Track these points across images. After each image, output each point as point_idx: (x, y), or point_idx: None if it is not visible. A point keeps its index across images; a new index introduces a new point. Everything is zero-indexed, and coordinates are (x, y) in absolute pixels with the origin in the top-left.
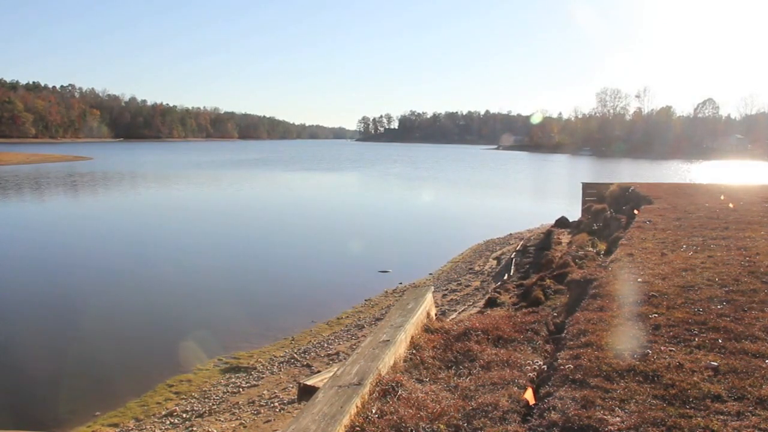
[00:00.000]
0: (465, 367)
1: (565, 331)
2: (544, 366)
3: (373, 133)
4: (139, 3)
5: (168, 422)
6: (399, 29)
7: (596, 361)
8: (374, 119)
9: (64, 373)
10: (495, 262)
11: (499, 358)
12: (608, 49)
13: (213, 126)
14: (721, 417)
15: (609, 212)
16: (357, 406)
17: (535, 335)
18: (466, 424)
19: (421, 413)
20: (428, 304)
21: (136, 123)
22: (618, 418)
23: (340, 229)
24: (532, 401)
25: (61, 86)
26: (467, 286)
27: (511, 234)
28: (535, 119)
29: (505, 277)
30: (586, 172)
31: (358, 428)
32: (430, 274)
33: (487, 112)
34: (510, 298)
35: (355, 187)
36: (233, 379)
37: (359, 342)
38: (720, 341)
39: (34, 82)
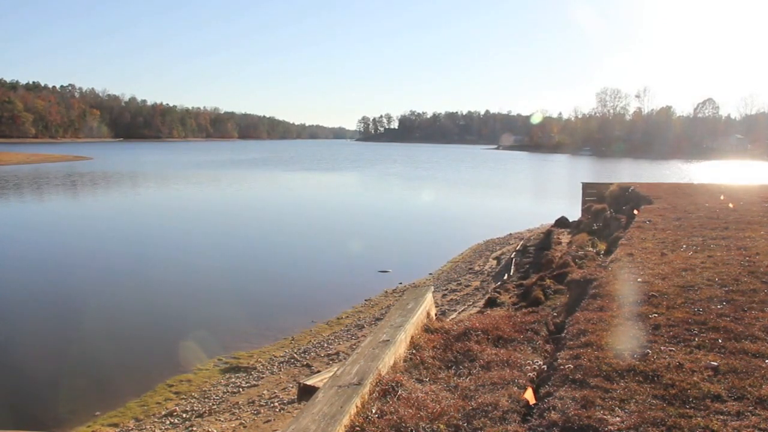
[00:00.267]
0: (465, 367)
1: (565, 331)
2: (544, 366)
3: (373, 133)
4: (139, 3)
5: (168, 422)
6: (399, 29)
7: (596, 361)
8: (374, 119)
9: (64, 373)
10: (495, 262)
11: (499, 358)
12: (608, 49)
13: (213, 126)
14: (721, 417)
15: (609, 212)
16: (357, 406)
17: (535, 335)
18: (466, 424)
19: (421, 413)
20: (428, 304)
21: (136, 123)
22: (618, 418)
23: (340, 229)
24: (532, 401)
25: (61, 86)
26: (467, 286)
27: (511, 234)
28: (535, 119)
29: (505, 277)
30: (586, 172)
31: (358, 428)
32: (430, 274)
33: (487, 112)
34: (510, 298)
35: (354, 187)
36: (233, 379)
37: (359, 342)
38: (720, 341)
39: (34, 82)
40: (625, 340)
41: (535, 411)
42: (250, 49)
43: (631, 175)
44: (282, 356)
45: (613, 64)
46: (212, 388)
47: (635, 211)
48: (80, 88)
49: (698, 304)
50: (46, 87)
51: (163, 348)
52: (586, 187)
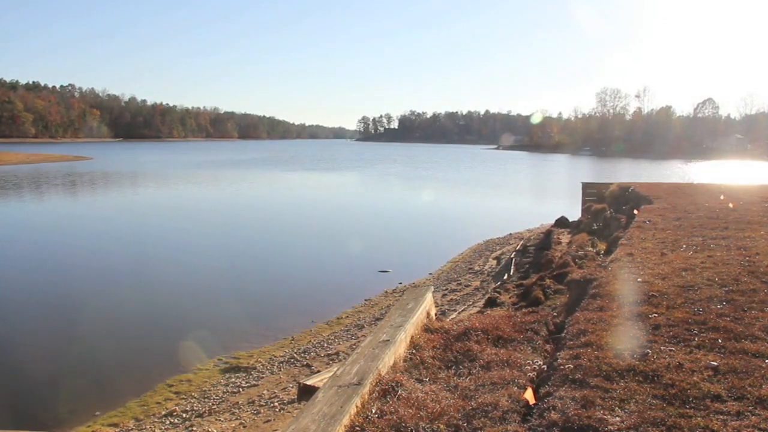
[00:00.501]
0: (465, 367)
1: (565, 331)
2: (544, 366)
3: (373, 133)
4: (139, 3)
5: (168, 422)
6: (399, 29)
7: (596, 360)
8: (374, 119)
9: (64, 373)
10: (495, 261)
11: (498, 357)
12: (608, 49)
13: (213, 126)
14: (721, 417)
15: (609, 212)
16: (357, 406)
17: (535, 335)
18: (465, 424)
19: (421, 413)
20: (428, 304)
21: (136, 123)
22: (618, 418)
23: (340, 229)
24: (532, 401)
25: (61, 86)
26: (467, 285)
27: (510, 234)
28: (535, 119)
29: (505, 277)
30: (586, 172)
31: (358, 428)
32: (430, 273)
33: (487, 112)
34: (510, 297)
35: (354, 186)
36: (233, 379)
37: (359, 342)
38: (720, 341)
39: (33, 82)
40: (625, 340)
41: (535, 411)
42: (250, 49)
43: (630, 175)
44: (282, 356)
45: (613, 64)
46: (212, 388)
47: (635, 211)
48: (80, 88)
49: (698, 304)
50: (46, 87)
51: (163, 348)
52: (586, 187)
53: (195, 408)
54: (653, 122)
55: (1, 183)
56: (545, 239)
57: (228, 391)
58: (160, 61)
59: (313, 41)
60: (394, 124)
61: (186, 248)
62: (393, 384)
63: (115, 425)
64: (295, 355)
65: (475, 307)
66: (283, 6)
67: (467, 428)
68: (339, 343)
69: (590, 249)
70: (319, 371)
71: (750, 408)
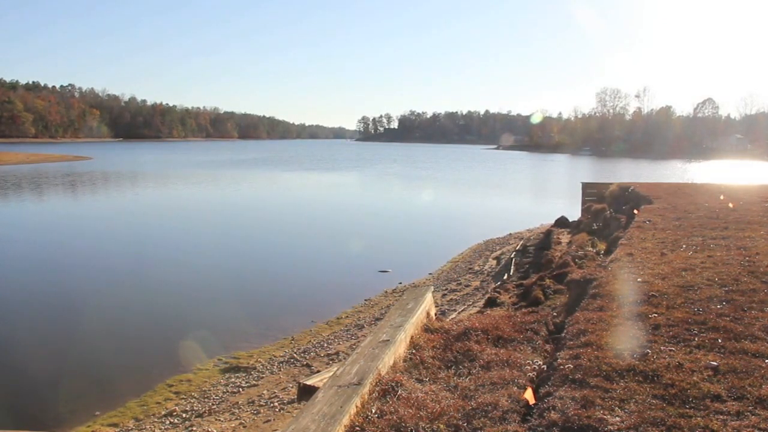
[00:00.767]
0: (465, 367)
1: (565, 331)
2: (544, 366)
3: (372, 132)
4: (139, 3)
5: (168, 422)
6: (399, 29)
7: (596, 360)
8: (374, 119)
9: (64, 373)
10: (495, 261)
11: (498, 357)
12: (608, 49)
13: (213, 126)
14: (721, 417)
15: (609, 212)
16: (357, 406)
17: (535, 335)
18: (465, 424)
19: (421, 413)
20: (428, 304)
21: (136, 123)
22: (618, 418)
23: (340, 229)
24: (531, 401)
25: (61, 86)
26: (467, 285)
27: (510, 234)
28: (535, 119)
29: (505, 277)
30: (586, 172)
31: (357, 428)
32: (430, 273)
33: (487, 112)
34: (510, 297)
35: (354, 186)
36: (233, 379)
37: (359, 342)
38: (720, 341)
39: (33, 82)
40: (625, 340)
41: (534, 411)
42: (250, 49)
43: (630, 175)
44: (282, 356)
45: (613, 64)
46: (212, 388)
47: (635, 211)
48: (80, 88)
49: (698, 303)
50: (45, 87)
51: (163, 348)
52: (586, 187)
53: (195, 408)
54: (653, 122)
55: (0, 183)
56: (545, 239)
57: (228, 391)
58: (160, 61)
59: (313, 41)
60: (394, 124)
61: (186, 248)
62: (393, 384)
63: (115, 425)
64: (295, 355)
65: (475, 307)
66: (283, 6)
67: (467, 428)
68: (339, 343)
69: (590, 249)
70: (319, 371)
71: (750, 408)
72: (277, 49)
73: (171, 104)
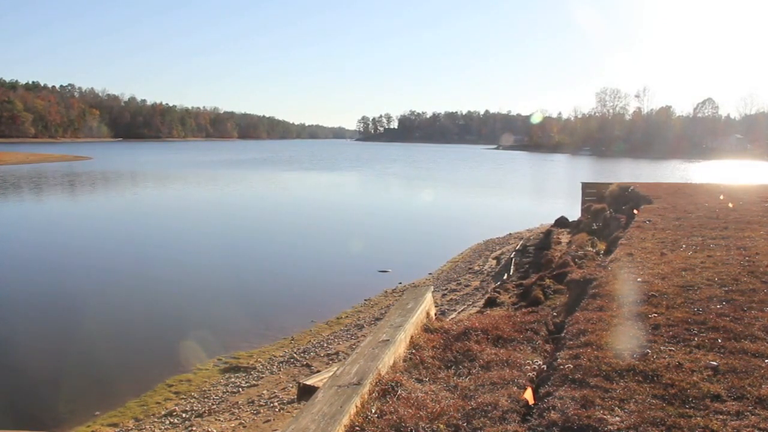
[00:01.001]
0: (464, 367)
1: (565, 331)
2: (544, 366)
3: (372, 132)
4: (139, 3)
5: (168, 422)
6: (399, 29)
7: (596, 360)
8: (374, 119)
9: (64, 373)
10: (494, 261)
11: (498, 357)
12: (608, 49)
13: (212, 126)
14: (721, 416)
15: (608, 212)
16: (356, 406)
17: (535, 335)
18: (465, 424)
19: (421, 413)
20: (428, 304)
21: (136, 123)
22: (617, 418)
23: (340, 228)
24: (531, 401)
25: (61, 86)
26: (467, 285)
27: (510, 234)
28: (536, 119)
29: (505, 277)
30: (586, 172)
31: (357, 428)
32: (430, 273)
33: (487, 111)
34: (509, 297)
35: (354, 186)
36: (233, 379)
37: (359, 342)
38: (719, 341)
39: (33, 82)
40: (625, 340)
41: (534, 411)
42: (250, 49)
43: (630, 174)
44: (282, 356)
45: (612, 63)
46: (212, 388)
47: (635, 211)
48: (80, 88)
49: (698, 303)
50: (45, 87)
51: (163, 348)
52: (586, 187)
53: (195, 408)
54: (653, 122)
55: (0, 183)
56: (545, 239)
57: (228, 391)
58: (160, 61)
59: (312, 41)
60: (394, 124)
61: (185, 248)
62: (393, 384)
63: (115, 425)
64: (294, 355)
65: (475, 307)
66: (282, 6)
67: (467, 428)
68: (339, 343)
69: (590, 249)
70: (318, 371)
71: (750, 408)
72: (277, 49)
73: (171, 104)
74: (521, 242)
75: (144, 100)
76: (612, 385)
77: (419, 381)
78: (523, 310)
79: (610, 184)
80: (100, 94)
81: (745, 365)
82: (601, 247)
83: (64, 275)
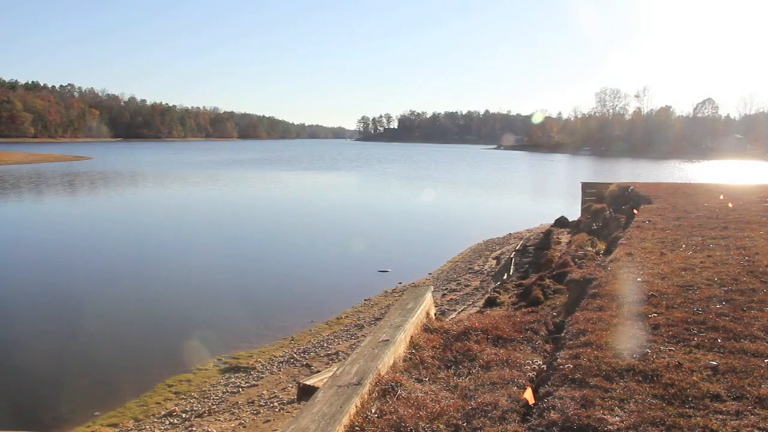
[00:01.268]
0: (464, 367)
1: (565, 331)
2: (544, 365)
3: (372, 132)
4: (138, 3)
5: (167, 422)
6: (398, 29)
7: (596, 360)
8: (374, 119)
9: (64, 373)
10: (494, 261)
11: (498, 357)
12: (608, 49)
13: (212, 126)
14: (720, 416)
15: (608, 212)
16: (356, 406)
17: (535, 335)
18: (465, 424)
19: (421, 413)
20: (428, 304)
21: (136, 123)
22: (617, 418)
23: (340, 228)
24: (531, 401)
25: (60, 86)
26: (467, 285)
27: (510, 233)
28: (537, 119)
29: (505, 277)
30: (586, 172)
31: (357, 428)
32: (430, 273)
33: (487, 111)
34: (509, 297)
35: (354, 186)
36: (233, 379)
37: (359, 342)
38: (719, 340)
39: (33, 82)
40: (625, 340)
41: (534, 410)
42: (249, 49)
43: (630, 174)
44: (281, 356)
45: (612, 63)
46: (212, 388)
47: (635, 211)
48: (79, 88)
49: (697, 303)
50: (45, 86)
51: (163, 348)
52: (586, 187)
53: (194, 408)
54: (653, 122)
55: None
56: (545, 239)
57: (227, 391)
58: (159, 61)
59: (312, 41)
60: (394, 124)
61: (185, 248)
62: (393, 384)
63: (115, 425)
64: (294, 355)
65: (475, 306)
66: (282, 6)
67: (467, 428)
68: (339, 343)
69: (590, 249)
70: (318, 371)
71: (749, 407)
72: (277, 49)
73: (170, 104)
74: (521, 242)
75: (144, 100)
76: (612, 385)
77: (419, 381)
78: (523, 310)
79: (610, 184)
80: (100, 94)
81: (744, 365)
82: (601, 246)
83: (62, 276)
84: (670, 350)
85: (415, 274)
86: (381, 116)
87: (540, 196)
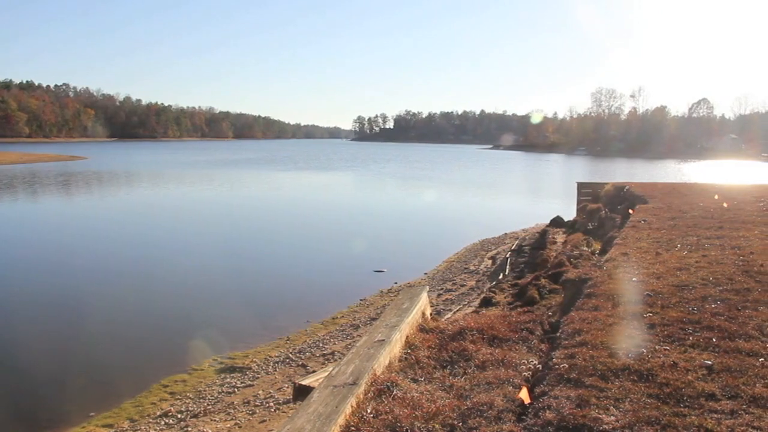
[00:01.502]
0: (460, 367)
1: (560, 331)
2: (539, 365)
3: (368, 132)
4: (135, 2)
5: (163, 422)
6: (394, 28)
7: (591, 360)
8: (369, 119)
9: (59, 373)
10: (490, 261)
11: (494, 357)
12: (603, 49)
13: (208, 125)
14: (715, 415)
15: (604, 212)
16: (352, 406)
17: (530, 334)
18: (461, 424)
19: (417, 413)
20: (423, 304)
21: (131, 122)
22: (613, 417)
23: (335, 228)
24: (527, 400)
25: (56, 85)
26: (462, 285)
27: (506, 233)
28: (535, 119)
29: (500, 277)
30: (581, 172)
31: (353, 428)
32: (425, 273)
33: (483, 111)
34: (505, 297)
35: (350, 186)
36: (228, 379)
37: (354, 342)
38: (714, 340)
39: (28, 82)
40: (620, 340)
41: (530, 410)
42: (245, 49)
43: (626, 174)
44: (277, 356)
45: (608, 64)
46: (207, 389)
47: (630, 211)
48: (75, 88)
49: (693, 303)
50: (40, 86)
51: (158, 348)
52: (581, 187)
53: (190, 408)
54: (648, 122)
55: None
56: (540, 239)
57: (223, 392)
58: (155, 61)
59: (308, 41)
60: (390, 124)
61: (180, 248)
62: (388, 384)
63: (110, 426)
64: (290, 355)
65: (471, 306)
66: (278, 6)
67: (463, 428)
68: (334, 343)
69: (585, 248)
70: (314, 371)
71: (744, 406)
72: (272, 48)
73: (166, 104)
74: (517, 242)
75: (139, 100)
76: (607, 385)
77: (415, 381)
78: (519, 309)
79: (606, 183)
80: (95, 94)
81: (739, 364)
82: (597, 246)
83: (60, 276)
84: (665, 350)
85: (410, 274)
86: (377, 116)
87: (535, 196)
